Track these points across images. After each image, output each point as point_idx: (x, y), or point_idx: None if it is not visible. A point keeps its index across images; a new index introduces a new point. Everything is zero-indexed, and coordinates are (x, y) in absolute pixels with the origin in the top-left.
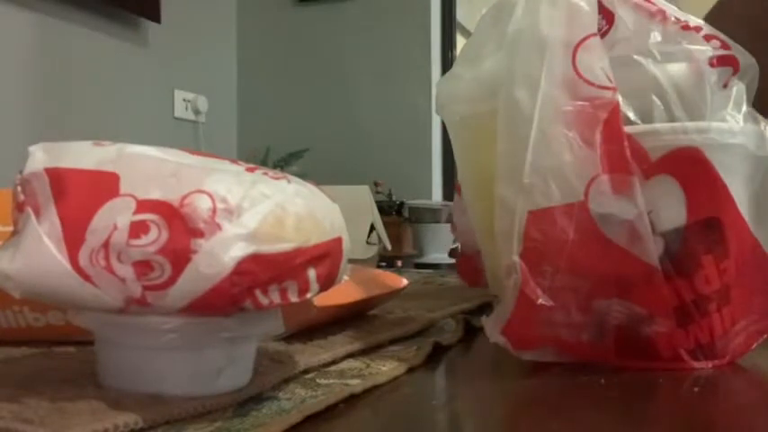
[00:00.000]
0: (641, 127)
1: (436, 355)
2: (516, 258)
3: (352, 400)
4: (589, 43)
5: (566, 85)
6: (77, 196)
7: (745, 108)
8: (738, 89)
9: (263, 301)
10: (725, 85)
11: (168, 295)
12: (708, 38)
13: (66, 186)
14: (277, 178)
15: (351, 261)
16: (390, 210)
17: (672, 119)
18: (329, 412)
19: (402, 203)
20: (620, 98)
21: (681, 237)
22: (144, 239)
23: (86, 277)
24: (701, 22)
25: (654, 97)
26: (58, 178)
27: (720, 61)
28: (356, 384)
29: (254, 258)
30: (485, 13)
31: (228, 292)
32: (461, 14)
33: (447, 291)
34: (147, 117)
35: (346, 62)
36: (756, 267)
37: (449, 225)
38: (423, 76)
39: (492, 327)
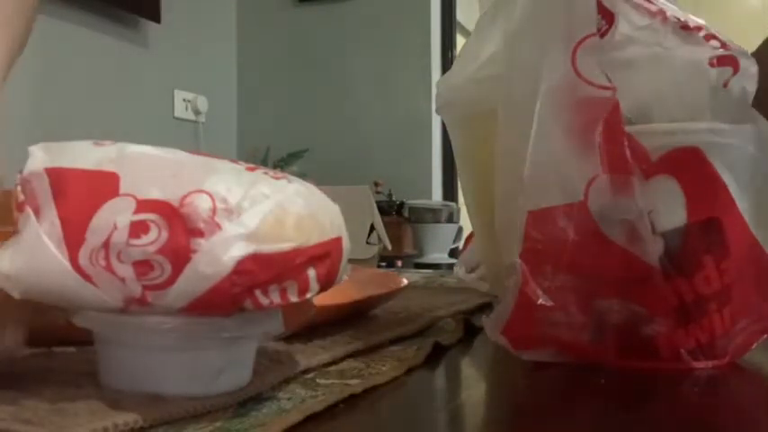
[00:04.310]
0: (641, 127)
1: (436, 355)
2: (516, 258)
3: (352, 400)
4: (589, 43)
5: (565, 85)
6: (77, 196)
7: (745, 108)
8: (738, 89)
9: (263, 301)
10: (725, 85)
11: (168, 295)
12: (708, 38)
13: (66, 186)
14: (277, 178)
15: (351, 261)
16: (390, 210)
17: (672, 119)
18: (329, 412)
19: (402, 203)
20: (619, 98)
21: (681, 237)
22: (144, 239)
23: (86, 277)
24: (701, 21)
25: (654, 97)
26: (57, 178)
27: (720, 61)
28: (356, 384)
29: (254, 258)
30: (484, 13)
31: (228, 292)
32: (461, 14)
33: (447, 291)
34: (147, 117)
35: (346, 62)
36: (756, 267)
37: (448, 225)
38: (423, 77)
39: (492, 327)
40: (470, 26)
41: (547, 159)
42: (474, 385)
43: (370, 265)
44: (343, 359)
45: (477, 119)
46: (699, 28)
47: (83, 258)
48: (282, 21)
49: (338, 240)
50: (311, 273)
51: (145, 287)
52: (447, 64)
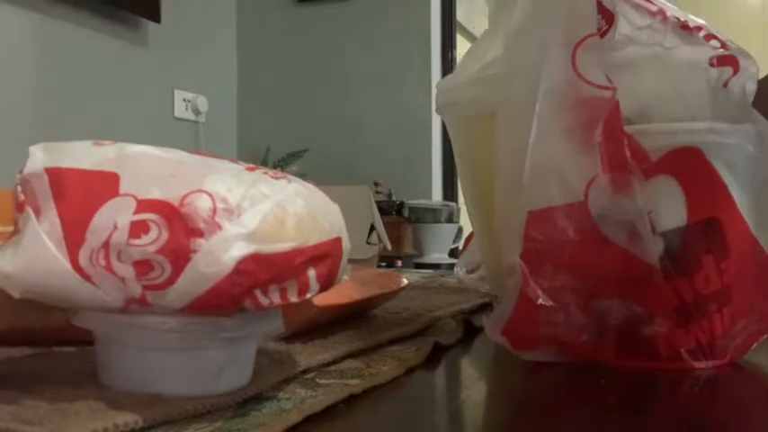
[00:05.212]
0: (641, 127)
1: (436, 355)
2: (516, 258)
3: (352, 400)
4: (589, 43)
5: (565, 85)
6: (77, 196)
7: (745, 108)
8: (738, 89)
9: (263, 301)
10: (725, 85)
11: (168, 295)
12: (708, 38)
13: (66, 186)
14: (277, 178)
15: (351, 261)
16: (390, 210)
17: (672, 119)
18: (329, 412)
19: (402, 203)
20: (619, 98)
21: (681, 237)
22: (144, 239)
23: (86, 277)
24: (701, 21)
25: (654, 97)
26: (57, 178)
27: (720, 61)
28: (356, 384)
29: (254, 258)
30: (490, 18)
31: (228, 292)
32: (461, 14)
33: (447, 291)
34: (147, 117)
35: (346, 62)
36: (756, 267)
37: (448, 225)
38: (423, 76)
39: (492, 327)
40: (470, 26)
41: (547, 159)
42: (474, 385)
43: (370, 265)
44: (343, 359)
45: (477, 119)
46: (699, 28)
47: (83, 258)
48: (282, 21)
49: (338, 240)
50: (311, 273)
51: (145, 287)
52: (447, 64)
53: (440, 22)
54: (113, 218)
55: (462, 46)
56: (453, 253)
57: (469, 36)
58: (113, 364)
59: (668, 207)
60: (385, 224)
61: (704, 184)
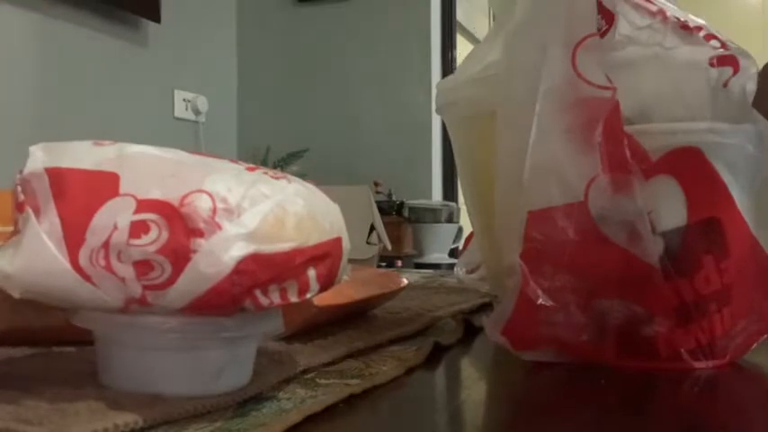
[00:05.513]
0: (641, 127)
1: (436, 355)
2: (516, 258)
3: (352, 400)
4: (589, 43)
5: (565, 85)
6: (77, 196)
7: (745, 108)
8: (738, 89)
9: (263, 301)
10: (725, 85)
11: (168, 295)
12: (708, 38)
13: (66, 186)
14: (277, 178)
15: (351, 261)
16: (390, 210)
17: (672, 119)
18: (329, 412)
19: (402, 203)
20: (619, 98)
21: (681, 237)
22: (144, 239)
23: (86, 277)
24: (701, 21)
25: (654, 97)
26: (57, 178)
27: (720, 61)
28: (356, 384)
29: (254, 258)
30: (494, 21)
31: (228, 292)
32: (461, 14)
33: (447, 291)
34: (147, 117)
35: (346, 62)
36: (756, 267)
37: (448, 225)
38: (423, 77)
39: (492, 327)
40: (470, 26)
41: (547, 159)
42: (474, 385)
43: (370, 265)
44: (343, 359)
45: (477, 119)
46: (699, 28)
47: (83, 258)
48: (282, 21)
49: (338, 240)
50: (311, 273)
51: (145, 287)
52: (447, 64)
53: (440, 22)
54: (113, 218)
55: (462, 46)
56: (453, 253)
57: (469, 36)
58: (113, 364)
59: (668, 207)
60: (385, 224)
61: (704, 184)
